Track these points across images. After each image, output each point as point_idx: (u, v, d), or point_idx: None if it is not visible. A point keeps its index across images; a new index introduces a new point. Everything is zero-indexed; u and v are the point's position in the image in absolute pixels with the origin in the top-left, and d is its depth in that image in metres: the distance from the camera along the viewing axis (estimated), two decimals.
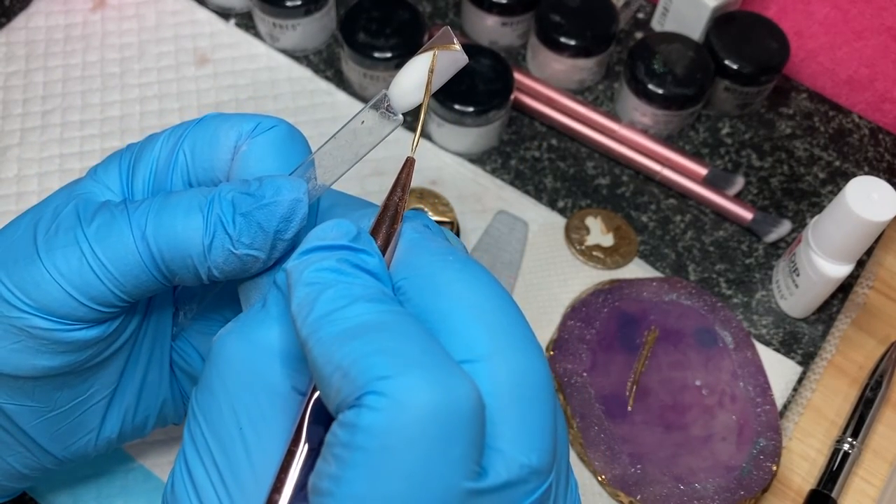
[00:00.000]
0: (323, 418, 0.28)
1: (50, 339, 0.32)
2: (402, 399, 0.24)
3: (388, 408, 0.24)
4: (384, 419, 0.24)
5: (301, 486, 0.27)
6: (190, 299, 0.39)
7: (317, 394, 0.28)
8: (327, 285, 0.27)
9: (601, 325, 0.52)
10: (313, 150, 0.33)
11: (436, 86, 0.31)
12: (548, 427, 0.27)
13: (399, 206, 0.30)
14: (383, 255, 0.29)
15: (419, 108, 0.31)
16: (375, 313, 0.26)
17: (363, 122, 0.32)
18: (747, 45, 0.60)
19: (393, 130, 0.32)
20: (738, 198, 0.59)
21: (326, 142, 0.32)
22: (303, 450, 0.28)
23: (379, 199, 0.55)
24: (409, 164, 0.31)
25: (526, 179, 0.59)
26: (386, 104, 0.31)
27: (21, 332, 0.32)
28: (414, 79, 0.31)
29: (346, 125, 0.32)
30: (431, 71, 0.30)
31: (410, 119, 0.60)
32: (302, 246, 0.28)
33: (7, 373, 0.33)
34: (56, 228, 0.32)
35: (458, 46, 0.31)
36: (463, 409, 0.25)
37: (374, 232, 0.30)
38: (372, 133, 0.32)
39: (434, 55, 0.30)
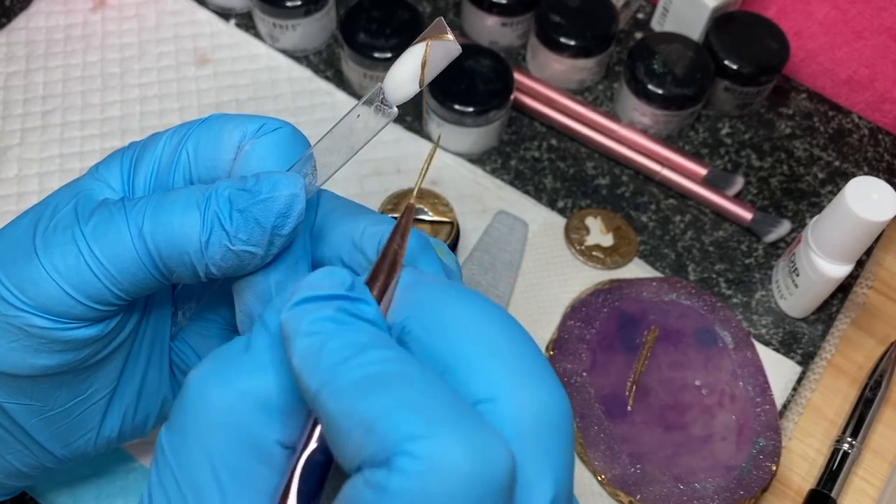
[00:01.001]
0: (311, 477, 0.27)
1: (48, 337, 0.32)
2: (436, 463, 0.23)
3: (422, 472, 0.22)
4: (418, 484, 0.22)
5: None
6: (188, 299, 0.39)
7: (307, 451, 0.27)
8: (330, 335, 0.26)
9: (601, 325, 0.52)
10: None
11: (429, 77, 0.31)
12: (569, 464, 0.26)
13: (398, 253, 0.29)
14: (379, 303, 0.28)
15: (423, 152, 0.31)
16: (391, 362, 0.25)
17: (359, 116, 0.32)
18: (747, 45, 0.60)
19: (388, 123, 0.32)
20: (738, 198, 0.59)
21: (323, 137, 0.32)
22: None
23: (378, 199, 0.55)
24: (408, 210, 0.30)
25: (526, 179, 0.59)
26: (381, 98, 0.31)
27: (19, 331, 0.32)
28: (407, 70, 0.31)
29: (341, 120, 0.32)
30: (424, 64, 0.30)
31: (411, 119, 0.60)
32: (295, 296, 0.27)
33: (5, 371, 0.33)
34: (54, 227, 0.32)
35: (450, 36, 0.30)
36: (499, 476, 0.23)
37: (372, 279, 0.28)
38: (367, 127, 0.32)
39: (427, 46, 0.30)
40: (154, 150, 0.34)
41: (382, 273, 0.28)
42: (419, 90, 0.31)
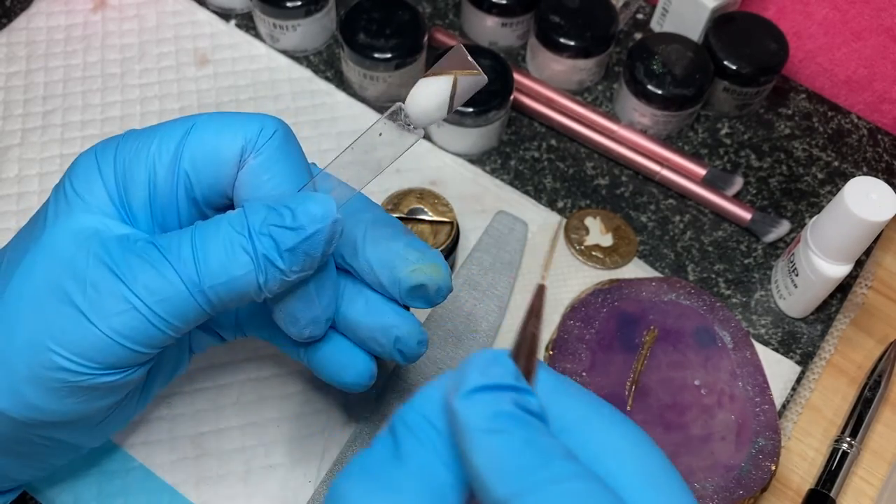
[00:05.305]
0: None
1: (114, 385, 0.34)
2: None
3: None
4: None
5: None
6: None
7: None
8: (513, 435, 0.25)
9: (600, 324, 0.52)
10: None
11: (456, 106, 0.32)
12: None
13: (535, 336, 0.28)
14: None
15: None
16: (578, 480, 0.25)
17: (381, 134, 0.32)
18: (746, 45, 0.60)
19: (415, 143, 0.33)
20: (737, 198, 0.59)
21: (342, 153, 0.33)
22: None
23: (378, 200, 0.55)
24: (540, 291, 0.29)
25: (525, 180, 0.59)
26: (404, 118, 0.32)
27: (86, 391, 0.33)
28: (434, 100, 0.32)
29: (360, 137, 0.33)
30: (453, 95, 0.31)
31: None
32: (465, 384, 0.26)
33: (72, 420, 0.35)
34: (96, 290, 0.32)
35: (478, 70, 0.31)
36: None
37: (515, 363, 0.27)
38: (393, 145, 0.33)
39: (455, 80, 0.31)
40: (141, 165, 0.34)
41: (523, 358, 0.28)
42: (445, 116, 0.32)
